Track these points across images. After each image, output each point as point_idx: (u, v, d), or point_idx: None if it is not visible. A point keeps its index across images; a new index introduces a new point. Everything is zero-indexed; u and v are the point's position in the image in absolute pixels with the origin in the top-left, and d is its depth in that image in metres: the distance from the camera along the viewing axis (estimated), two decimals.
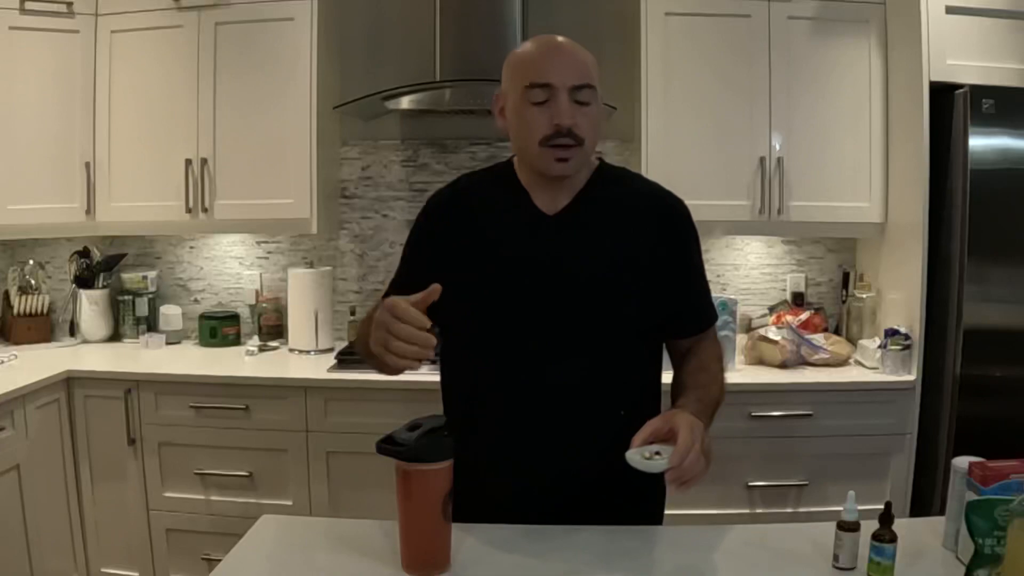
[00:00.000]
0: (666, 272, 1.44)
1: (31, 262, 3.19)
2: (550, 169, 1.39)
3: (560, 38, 1.41)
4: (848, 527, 1.22)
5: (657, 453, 1.20)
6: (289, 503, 2.67)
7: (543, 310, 1.40)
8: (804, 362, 2.76)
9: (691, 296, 1.51)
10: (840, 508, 1.24)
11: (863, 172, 2.82)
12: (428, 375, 2.28)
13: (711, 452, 1.23)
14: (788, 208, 2.81)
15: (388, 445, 1.19)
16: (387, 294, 1.57)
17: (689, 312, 1.51)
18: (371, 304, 3.17)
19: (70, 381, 2.72)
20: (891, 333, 2.62)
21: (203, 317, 3.17)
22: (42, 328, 3.17)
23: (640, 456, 1.20)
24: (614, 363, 1.42)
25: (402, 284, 1.53)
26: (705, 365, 1.47)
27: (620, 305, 1.41)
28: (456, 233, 1.47)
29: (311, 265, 3.11)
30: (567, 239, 1.42)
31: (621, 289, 1.41)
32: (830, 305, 3.16)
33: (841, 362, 2.77)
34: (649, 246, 1.44)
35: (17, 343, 3.10)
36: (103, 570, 2.79)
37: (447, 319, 1.48)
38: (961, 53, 2.54)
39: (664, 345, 1.54)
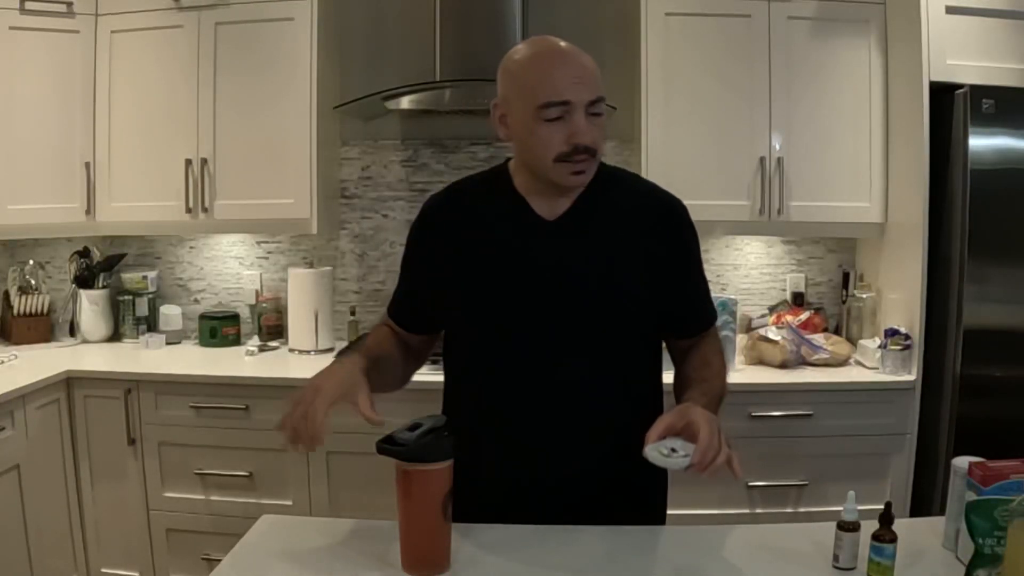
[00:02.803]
0: (667, 273, 1.44)
1: (31, 262, 3.19)
2: (567, 183, 1.37)
3: (562, 44, 1.37)
4: (848, 527, 1.22)
5: (673, 449, 1.19)
6: (289, 503, 2.67)
7: (546, 314, 1.40)
8: (804, 362, 2.76)
9: (692, 297, 1.51)
10: (840, 508, 1.24)
11: (863, 172, 2.82)
12: (428, 375, 2.27)
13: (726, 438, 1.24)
14: (788, 208, 2.81)
15: (388, 445, 1.19)
16: (391, 307, 1.58)
17: (691, 312, 1.51)
18: (372, 303, 3.19)
19: (70, 381, 2.72)
20: (891, 333, 2.62)
21: (203, 317, 3.17)
22: (42, 328, 3.17)
23: (659, 453, 1.19)
24: (616, 365, 1.43)
25: (405, 296, 1.55)
26: (708, 360, 1.48)
27: (623, 307, 1.41)
28: (454, 240, 1.46)
29: (311, 265, 3.11)
30: (568, 243, 1.41)
31: (623, 291, 1.41)
32: (830, 305, 3.16)
33: (841, 362, 2.77)
34: (650, 247, 1.43)
35: (17, 343, 3.10)
36: (103, 570, 2.79)
37: (449, 324, 1.49)
38: (961, 53, 2.54)
39: (664, 345, 1.55)
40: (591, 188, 1.45)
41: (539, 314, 1.40)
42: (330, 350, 2.98)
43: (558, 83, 1.31)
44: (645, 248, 1.43)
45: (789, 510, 2.62)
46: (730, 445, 1.22)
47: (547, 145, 1.33)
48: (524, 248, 1.42)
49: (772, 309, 3.10)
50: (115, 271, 3.24)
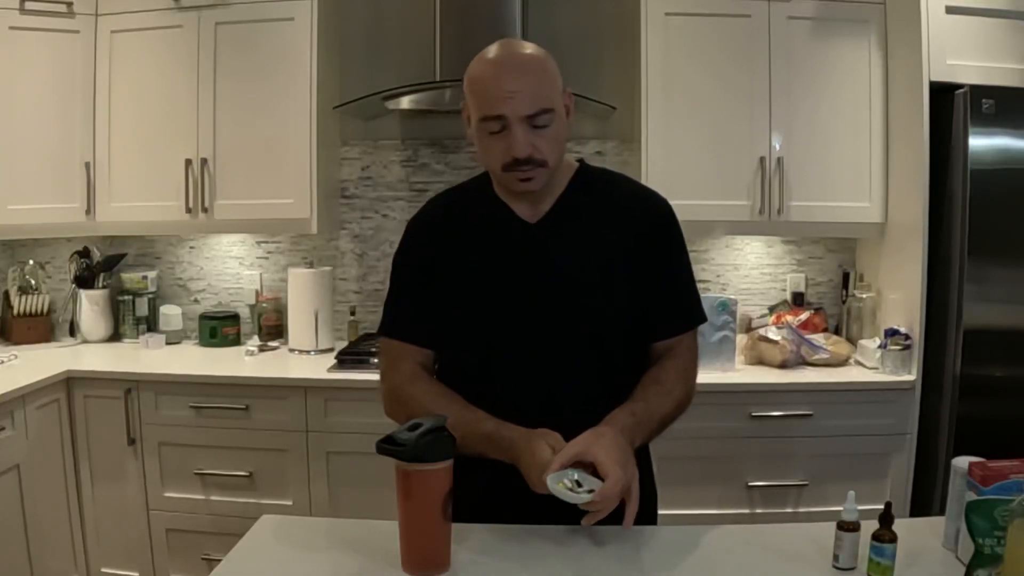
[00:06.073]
0: (649, 272, 1.44)
1: (31, 262, 3.19)
2: (517, 188, 1.40)
3: (520, 50, 1.36)
4: (848, 527, 1.22)
5: (577, 482, 1.22)
6: (289, 503, 2.67)
7: (531, 314, 1.41)
8: (804, 362, 2.76)
9: (672, 295, 1.49)
10: (840, 508, 1.23)
11: (863, 172, 2.82)
12: None
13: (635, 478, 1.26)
14: (788, 208, 2.81)
15: (388, 445, 1.19)
16: (387, 323, 1.52)
17: (669, 311, 1.49)
18: (372, 303, 3.18)
19: (70, 381, 2.72)
20: (891, 333, 2.62)
21: (203, 317, 3.17)
22: (42, 328, 3.17)
23: (562, 485, 1.21)
24: (602, 364, 1.43)
25: (402, 311, 1.51)
26: (661, 378, 1.44)
27: (605, 306, 1.42)
28: (441, 252, 1.47)
29: (311, 265, 3.11)
30: (551, 245, 1.43)
31: (605, 290, 1.42)
32: (830, 305, 3.16)
33: (841, 362, 2.77)
34: (632, 247, 1.44)
35: (17, 343, 3.10)
36: (103, 570, 2.79)
37: (442, 330, 1.49)
38: (961, 53, 2.54)
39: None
40: (573, 189, 1.47)
41: (524, 315, 1.41)
42: (330, 350, 2.98)
43: (494, 97, 1.31)
44: (628, 247, 1.44)
45: (789, 510, 2.62)
46: (632, 489, 1.24)
47: (491, 155, 1.37)
48: (508, 251, 1.44)
49: (772, 309, 3.10)
50: (115, 271, 3.24)
